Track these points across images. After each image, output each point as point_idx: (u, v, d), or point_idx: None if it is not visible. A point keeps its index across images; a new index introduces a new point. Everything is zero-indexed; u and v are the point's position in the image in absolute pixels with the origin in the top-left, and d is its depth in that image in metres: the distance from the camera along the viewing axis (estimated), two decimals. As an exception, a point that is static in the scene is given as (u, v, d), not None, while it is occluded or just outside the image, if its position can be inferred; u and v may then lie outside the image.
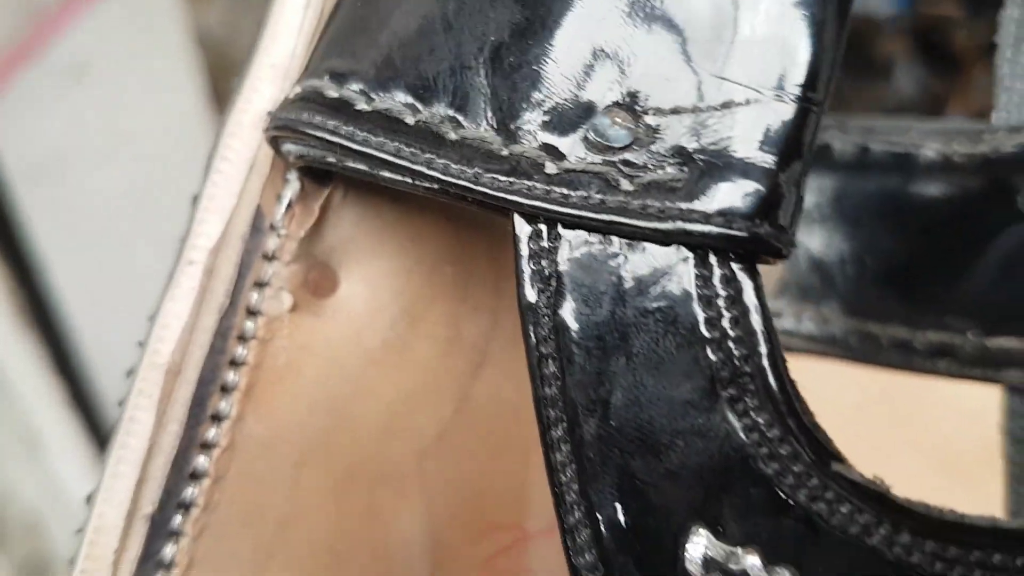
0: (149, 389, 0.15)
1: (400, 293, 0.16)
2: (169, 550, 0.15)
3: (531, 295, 0.13)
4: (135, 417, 0.16)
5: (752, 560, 0.13)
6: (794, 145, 0.14)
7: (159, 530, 0.15)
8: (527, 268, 0.14)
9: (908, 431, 1.01)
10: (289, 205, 0.17)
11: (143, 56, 0.78)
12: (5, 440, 0.77)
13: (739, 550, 0.13)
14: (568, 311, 0.13)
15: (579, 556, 0.13)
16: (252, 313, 0.16)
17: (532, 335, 0.13)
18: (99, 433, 0.80)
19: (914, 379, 1.16)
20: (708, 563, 0.13)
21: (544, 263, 0.13)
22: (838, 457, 0.13)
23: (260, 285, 0.16)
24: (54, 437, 0.79)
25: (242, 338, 0.16)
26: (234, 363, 0.16)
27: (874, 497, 0.13)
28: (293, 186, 0.17)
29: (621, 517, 0.13)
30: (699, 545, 0.13)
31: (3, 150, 0.68)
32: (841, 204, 0.22)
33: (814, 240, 0.22)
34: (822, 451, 0.13)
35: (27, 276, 0.72)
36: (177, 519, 0.15)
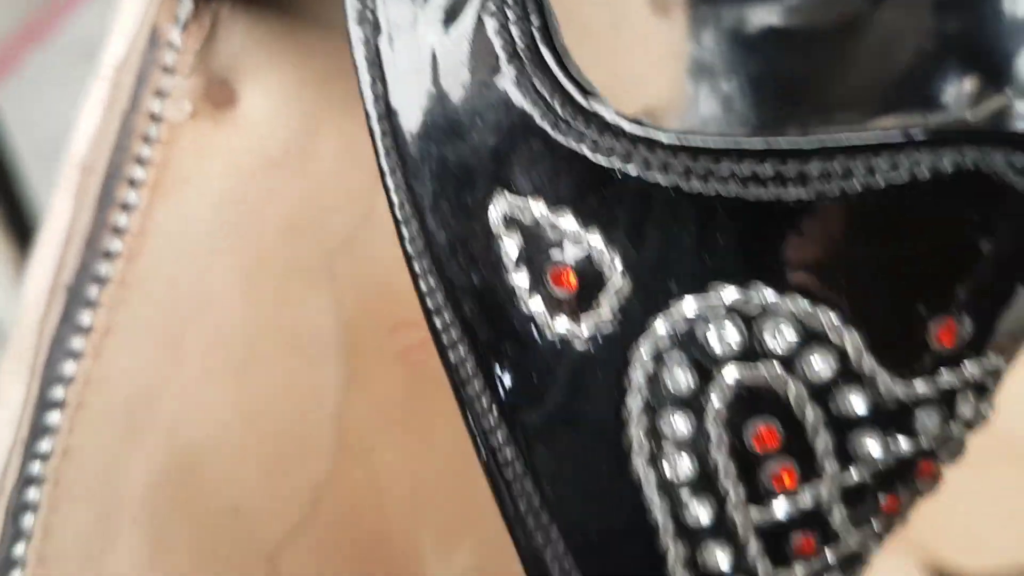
0: (67, 184, 0.17)
1: (296, 105, 0.17)
2: (87, 317, 0.17)
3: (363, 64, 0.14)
4: (55, 208, 0.17)
5: (539, 207, 0.14)
6: None
7: (76, 298, 0.17)
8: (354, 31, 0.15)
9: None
10: (185, 26, 0.19)
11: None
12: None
13: (528, 199, 0.14)
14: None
15: (410, 244, 0.14)
16: (155, 119, 0.18)
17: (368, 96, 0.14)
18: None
19: None
20: (507, 220, 0.14)
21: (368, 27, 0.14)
22: (598, 97, 0.14)
23: (161, 95, 0.18)
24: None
25: (147, 139, 0.18)
26: (140, 161, 0.18)
27: (629, 132, 0.13)
28: (186, 6, 0.19)
29: (437, 198, 0.14)
30: (499, 206, 0.14)
31: (13, 129, 0.70)
32: (736, 37, 0.22)
33: (717, 79, 0.22)
34: (584, 96, 0.14)
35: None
36: (93, 291, 0.17)
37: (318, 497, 0.17)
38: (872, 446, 0.14)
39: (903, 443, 0.14)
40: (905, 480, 0.15)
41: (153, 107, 0.18)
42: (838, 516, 0.15)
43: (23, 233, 0.72)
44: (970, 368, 0.15)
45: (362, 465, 0.17)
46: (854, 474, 0.14)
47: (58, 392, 0.16)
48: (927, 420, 0.15)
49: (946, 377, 0.15)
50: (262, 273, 0.17)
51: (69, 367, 0.16)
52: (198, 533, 0.16)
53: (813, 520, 0.14)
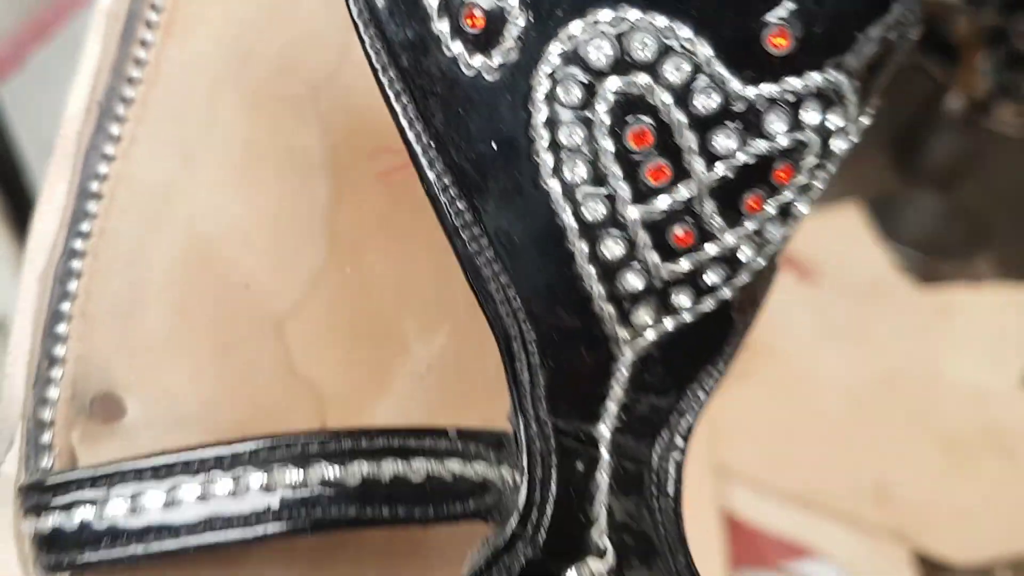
0: (96, 28, 0.20)
1: None
2: (115, 128, 0.20)
3: None
4: (87, 47, 0.20)
5: None
6: None
7: (107, 113, 0.20)
8: None
9: (908, 415, 1.01)
10: None
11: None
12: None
13: None
14: None
15: (358, 16, 0.16)
16: None
17: None
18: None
19: (915, 363, 1.18)
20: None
21: None
22: None
23: None
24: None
25: None
26: (154, 7, 0.21)
27: None
28: None
29: None
30: None
31: (18, 128, 0.71)
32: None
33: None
34: None
35: (45, 254, 0.74)
36: (120, 108, 0.21)
37: (315, 282, 0.20)
38: (729, 143, 0.16)
39: (758, 142, 0.16)
40: (764, 180, 0.17)
41: None
42: (709, 209, 0.17)
43: (27, 229, 0.73)
44: (813, 77, 0.17)
45: (351, 261, 0.20)
46: (718, 170, 0.16)
47: (94, 185, 0.19)
48: (776, 121, 0.17)
49: (790, 83, 0.17)
50: (258, 105, 0.21)
51: (103, 167, 0.20)
52: (214, 303, 0.19)
53: (688, 214, 0.16)
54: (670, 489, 0.17)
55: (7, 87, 0.67)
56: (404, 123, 0.17)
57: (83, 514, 0.17)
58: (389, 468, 0.15)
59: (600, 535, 0.16)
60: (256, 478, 0.15)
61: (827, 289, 1.12)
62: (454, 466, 0.16)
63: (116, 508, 0.16)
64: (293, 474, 0.15)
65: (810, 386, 1.00)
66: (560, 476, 0.16)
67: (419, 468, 0.16)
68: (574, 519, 0.16)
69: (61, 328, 0.18)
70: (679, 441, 0.17)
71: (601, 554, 0.16)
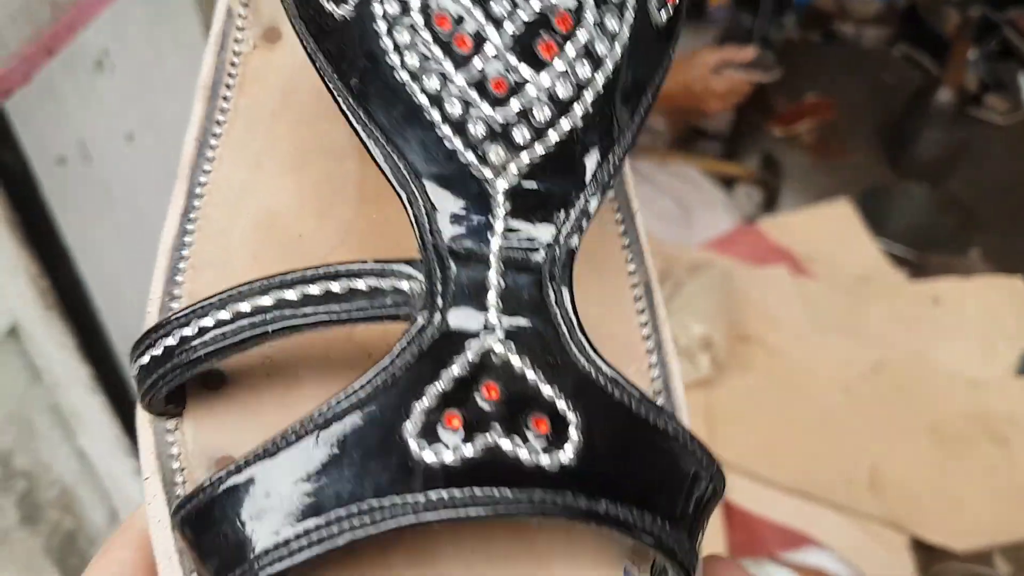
0: (197, 95, 0.30)
1: None
2: (210, 152, 0.29)
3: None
4: (193, 109, 0.29)
5: None
6: None
7: (204, 144, 0.29)
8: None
9: (901, 405, 1.03)
10: (246, 3, 0.32)
11: (160, 48, 0.84)
12: (38, 421, 0.81)
13: None
14: None
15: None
16: (235, 53, 0.31)
17: None
18: (128, 413, 0.84)
19: (908, 354, 1.20)
20: None
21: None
22: None
23: (237, 41, 0.31)
24: (84, 418, 0.82)
25: (233, 64, 0.31)
26: (231, 75, 0.30)
27: None
28: None
29: None
30: None
31: (29, 140, 0.72)
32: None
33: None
34: None
35: (54, 262, 0.76)
36: (212, 140, 0.29)
37: (348, 229, 0.27)
38: (504, 6, 0.21)
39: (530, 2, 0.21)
40: (549, 28, 0.21)
41: (234, 47, 0.31)
42: (512, 61, 0.21)
43: (38, 240, 0.75)
44: None
45: (377, 211, 0.27)
46: (507, 28, 0.21)
47: (198, 188, 0.28)
48: None
49: None
50: (303, 119, 0.30)
51: (203, 177, 0.28)
52: (279, 250, 0.26)
53: (498, 67, 0.21)
54: (561, 273, 0.21)
55: (16, 101, 0.69)
56: (318, 65, 0.23)
57: (165, 342, 0.22)
58: (327, 287, 0.21)
59: (495, 315, 0.20)
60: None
61: (820, 282, 1.14)
62: (371, 280, 0.21)
63: (190, 330, 0.21)
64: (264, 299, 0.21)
65: (805, 378, 1.01)
66: (458, 275, 0.20)
67: (345, 284, 0.21)
68: (472, 305, 0.20)
69: (178, 278, 0.26)
70: (574, 240, 0.21)
71: (493, 330, 0.20)
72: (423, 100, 0.21)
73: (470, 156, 0.21)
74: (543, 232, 0.21)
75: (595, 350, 0.21)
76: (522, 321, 0.20)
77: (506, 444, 0.19)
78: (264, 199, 0.27)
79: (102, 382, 0.82)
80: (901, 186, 1.66)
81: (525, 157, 0.21)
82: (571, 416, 0.19)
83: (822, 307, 1.10)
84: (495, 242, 0.21)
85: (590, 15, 0.21)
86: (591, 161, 0.21)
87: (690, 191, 1.56)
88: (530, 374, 0.20)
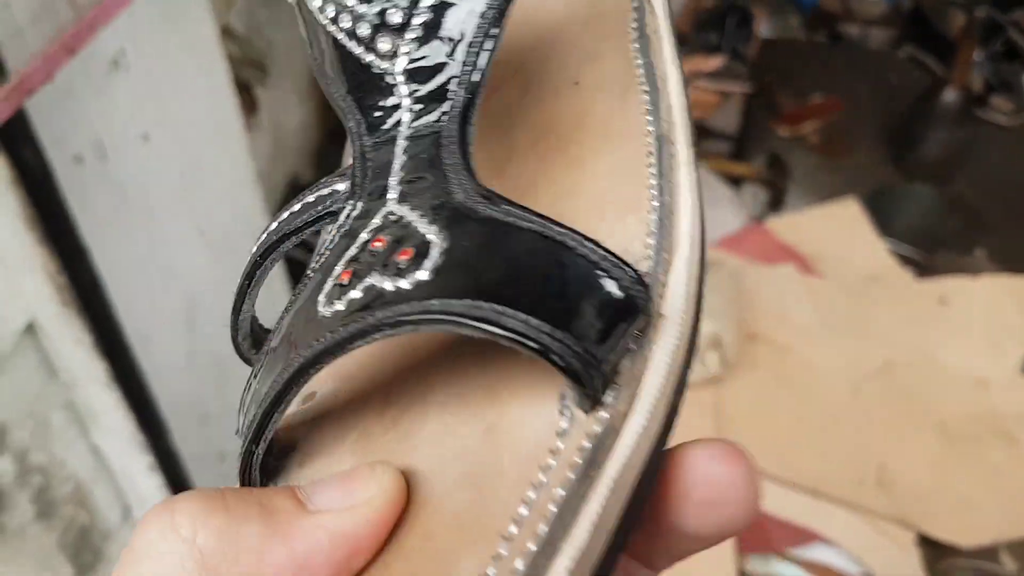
0: None
1: None
2: None
3: None
4: None
5: None
6: None
7: None
8: None
9: (908, 403, 1.03)
10: None
11: (175, 49, 0.85)
12: (54, 418, 0.82)
13: None
14: None
15: None
16: None
17: None
18: (142, 410, 0.85)
19: (915, 353, 1.21)
20: None
21: None
22: None
23: None
24: (99, 414, 0.83)
25: None
26: None
27: None
28: None
29: None
30: None
31: (48, 139, 0.73)
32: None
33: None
34: None
35: (71, 260, 0.77)
36: None
37: None
38: None
39: None
40: None
41: None
42: None
43: (57, 238, 0.76)
44: None
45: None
46: None
47: None
48: None
49: None
50: None
51: None
52: None
53: None
54: (459, 127, 0.23)
55: (35, 100, 0.69)
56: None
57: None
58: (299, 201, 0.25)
59: (396, 182, 0.23)
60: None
61: (828, 282, 1.15)
62: (318, 191, 0.25)
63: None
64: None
65: (814, 377, 1.02)
66: (374, 160, 0.24)
67: (301, 197, 0.25)
68: (382, 179, 0.23)
69: None
70: (455, 111, 0.24)
71: (394, 193, 0.23)
72: (332, 30, 0.25)
73: (369, 56, 0.24)
74: (438, 97, 0.24)
75: (490, 192, 0.22)
76: (417, 178, 0.23)
77: (378, 279, 0.21)
78: None
79: (117, 379, 0.82)
80: (907, 186, 1.66)
81: (408, 35, 0.24)
82: (437, 240, 0.21)
83: (830, 306, 1.10)
84: (404, 120, 0.24)
85: None
86: (466, 18, 0.24)
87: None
88: (413, 217, 0.22)
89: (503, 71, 0.29)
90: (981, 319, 1.10)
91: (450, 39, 0.24)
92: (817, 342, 1.06)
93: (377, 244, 0.22)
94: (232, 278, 0.27)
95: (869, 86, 1.92)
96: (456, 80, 0.23)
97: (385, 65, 0.24)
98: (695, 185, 0.25)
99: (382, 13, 0.24)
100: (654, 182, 0.25)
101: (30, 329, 0.78)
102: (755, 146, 1.80)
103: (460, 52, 0.24)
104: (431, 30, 0.24)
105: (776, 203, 1.59)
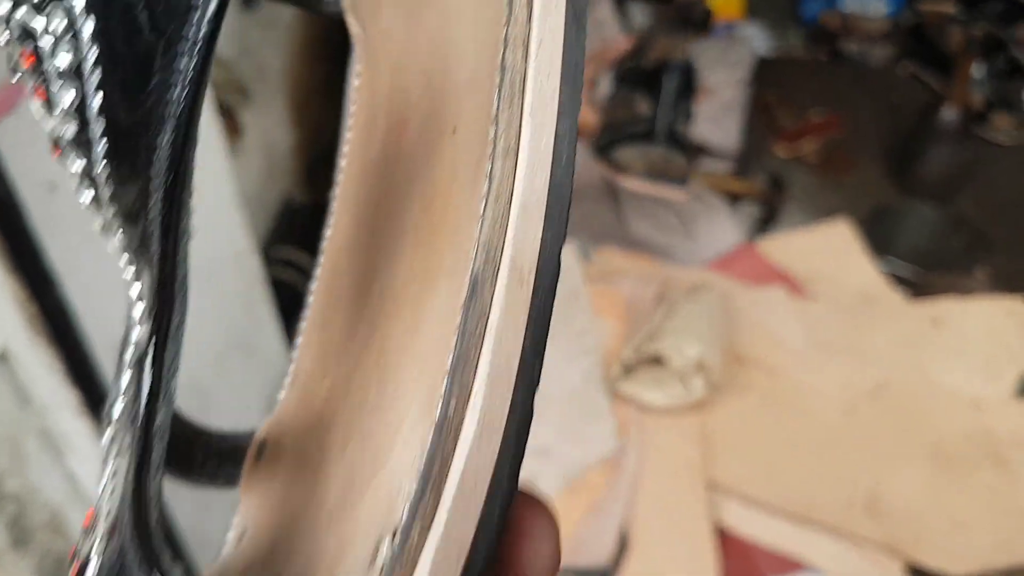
0: None
1: None
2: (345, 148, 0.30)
3: None
4: None
5: None
6: None
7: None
8: None
9: (900, 426, 1.02)
10: None
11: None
12: (28, 445, 0.81)
13: None
14: None
15: None
16: None
17: None
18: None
19: (907, 375, 1.19)
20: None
21: None
22: None
23: None
24: (74, 441, 0.83)
25: None
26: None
27: None
28: None
29: None
30: None
31: (19, 165, 0.72)
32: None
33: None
34: None
35: (42, 288, 0.76)
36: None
37: None
38: None
39: None
40: None
41: None
42: None
43: (26, 266, 0.75)
44: None
45: None
46: None
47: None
48: None
49: None
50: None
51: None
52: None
53: None
54: None
55: (5, 127, 0.69)
56: None
57: None
58: None
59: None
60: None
61: (820, 304, 1.13)
62: None
63: None
64: None
65: (804, 400, 1.00)
66: None
67: None
68: None
69: None
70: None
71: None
72: None
73: None
74: None
75: None
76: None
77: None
78: None
79: (90, 406, 0.82)
80: (908, 205, 1.65)
81: None
82: None
83: (822, 328, 1.09)
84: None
85: None
86: None
87: (693, 204, 1.56)
88: None
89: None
90: (976, 340, 1.08)
91: None
92: (808, 365, 1.04)
93: None
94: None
95: (869, 103, 1.91)
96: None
97: None
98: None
99: None
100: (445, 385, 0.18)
101: (3, 357, 0.77)
102: (754, 165, 1.79)
103: None
104: None
105: (773, 220, 1.58)
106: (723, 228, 1.49)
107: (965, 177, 1.68)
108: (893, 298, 1.16)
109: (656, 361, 0.96)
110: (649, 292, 1.10)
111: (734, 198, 1.77)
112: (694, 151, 1.80)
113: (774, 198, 1.68)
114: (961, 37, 1.81)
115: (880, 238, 1.58)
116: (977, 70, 1.70)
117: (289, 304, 1.57)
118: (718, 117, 1.88)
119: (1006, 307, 1.14)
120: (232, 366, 0.91)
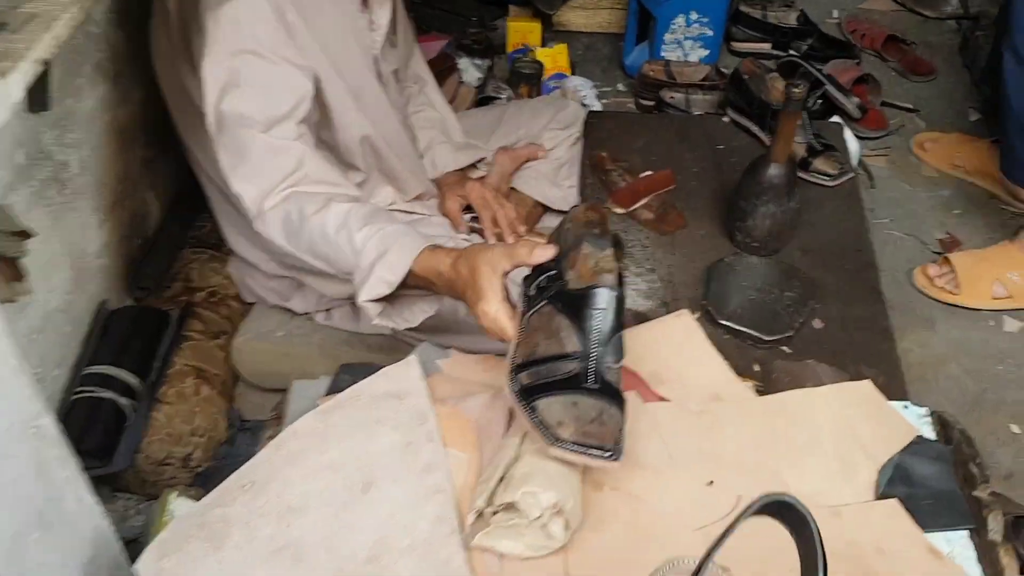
0: None
1: None
2: None
3: None
4: None
5: None
6: None
7: None
8: None
9: (764, 546, 0.97)
10: None
11: None
12: None
13: None
14: None
15: None
16: None
17: None
18: None
19: (763, 486, 1.14)
20: None
21: None
22: None
23: None
24: None
25: None
26: None
27: None
28: None
29: None
30: None
31: None
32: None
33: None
34: None
35: None
36: None
37: None
38: None
39: None
40: None
41: None
42: None
43: None
44: None
45: None
46: None
47: None
48: None
49: None
50: None
51: None
52: None
53: None
54: None
55: None
56: None
57: None
58: None
59: None
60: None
61: (672, 408, 1.11)
62: None
63: None
64: None
65: (663, 524, 0.98)
66: None
67: None
68: None
69: None
70: None
71: None
72: None
73: None
74: None
75: None
76: None
77: None
78: None
79: None
80: (742, 260, 1.67)
81: None
82: None
83: (675, 437, 1.07)
84: None
85: None
86: None
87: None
88: None
89: None
90: (828, 436, 1.09)
91: None
92: (666, 485, 1.02)
93: None
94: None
95: (697, 154, 1.93)
96: None
97: None
98: None
99: None
100: None
101: None
102: (592, 224, 1.77)
103: None
104: None
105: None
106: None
107: (792, 227, 1.72)
108: (742, 394, 1.15)
109: (511, 507, 0.91)
110: (500, 413, 1.05)
111: (575, 263, 1.75)
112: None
113: (620, 264, 1.67)
114: (781, 91, 1.85)
115: (717, 298, 1.60)
116: (797, 120, 1.74)
117: (110, 423, 1.43)
118: (555, 177, 1.86)
119: (854, 393, 1.15)
120: (28, 547, 0.81)
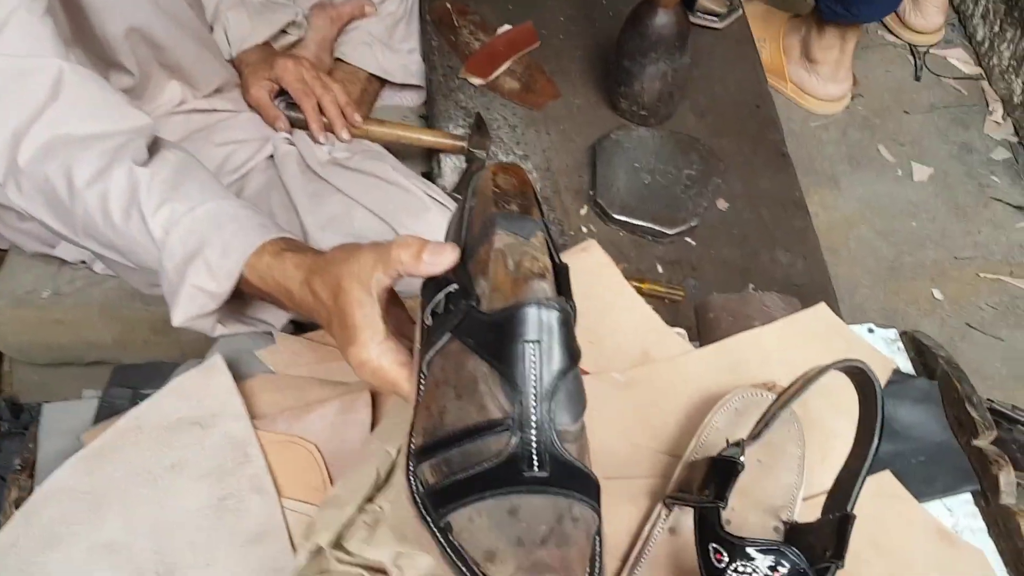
0: None
1: None
2: None
3: None
4: None
5: None
6: None
7: None
8: None
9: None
10: None
11: None
12: None
13: None
14: None
15: None
16: None
17: None
18: None
19: None
20: None
21: None
22: None
23: None
24: None
25: None
26: None
27: None
28: None
29: None
30: None
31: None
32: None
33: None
34: None
35: None
36: None
37: None
38: None
39: None
40: None
41: None
42: None
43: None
44: None
45: None
46: None
47: None
48: None
49: None
50: None
51: None
52: None
53: None
54: None
55: None
56: None
57: None
58: None
59: None
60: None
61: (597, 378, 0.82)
62: None
63: None
64: None
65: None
66: None
67: None
68: None
69: None
70: None
71: None
72: None
73: None
74: None
75: None
76: None
77: None
78: None
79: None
80: (630, 134, 1.37)
81: None
82: None
83: (601, 418, 0.78)
84: None
85: None
86: None
87: (394, 193, 1.18)
88: None
89: None
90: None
91: None
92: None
93: None
94: None
95: (568, 6, 1.58)
96: None
97: None
98: None
99: None
100: None
101: None
102: (443, 101, 1.42)
103: None
104: None
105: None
106: (431, 223, 1.13)
107: (684, 86, 1.42)
108: (675, 348, 0.86)
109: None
110: (356, 429, 0.73)
111: (429, 155, 1.41)
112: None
113: (481, 146, 1.34)
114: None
115: (606, 186, 1.30)
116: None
117: None
118: (389, 40, 1.47)
119: (809, 324, 0.89)
120: None
